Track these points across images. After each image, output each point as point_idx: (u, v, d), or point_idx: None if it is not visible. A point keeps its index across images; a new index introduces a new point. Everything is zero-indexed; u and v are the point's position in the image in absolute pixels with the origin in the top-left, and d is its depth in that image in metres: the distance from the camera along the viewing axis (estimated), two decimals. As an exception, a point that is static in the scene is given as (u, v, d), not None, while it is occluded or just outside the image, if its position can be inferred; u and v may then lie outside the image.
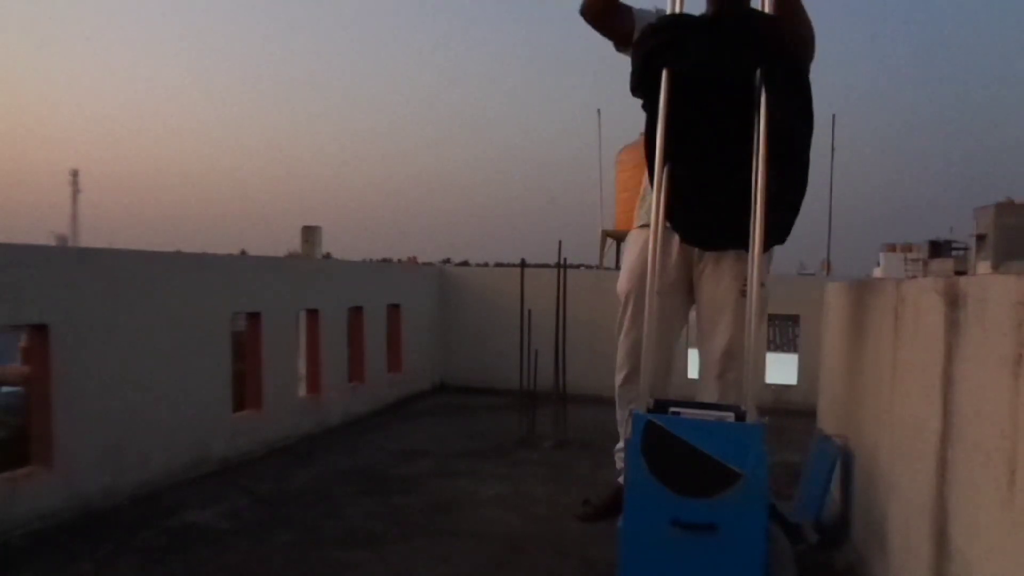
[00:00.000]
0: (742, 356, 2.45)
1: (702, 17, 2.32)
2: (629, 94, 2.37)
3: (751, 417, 2.03)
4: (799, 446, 3.36)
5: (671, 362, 2.76)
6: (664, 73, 2.20)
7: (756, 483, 1.90)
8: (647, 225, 2.52)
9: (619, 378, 2.84)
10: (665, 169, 2.27)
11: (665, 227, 2.48)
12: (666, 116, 2.19)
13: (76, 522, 2.75)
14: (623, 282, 2.79)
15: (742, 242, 2.26)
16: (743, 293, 2.49)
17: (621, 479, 2.84)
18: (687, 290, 2.72)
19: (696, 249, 2.64)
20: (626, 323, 2.78)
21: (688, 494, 1.94)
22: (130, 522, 2.80)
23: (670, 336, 2.74)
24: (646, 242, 2.53)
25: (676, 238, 2.64)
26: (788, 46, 2.22)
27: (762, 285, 2.37)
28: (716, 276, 2.61)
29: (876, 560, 2.08)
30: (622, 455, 2.87)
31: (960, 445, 1.40)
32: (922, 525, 1.60)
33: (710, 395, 2.55)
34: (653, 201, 2.32)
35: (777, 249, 2.73)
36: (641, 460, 1.98)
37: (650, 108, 2.27)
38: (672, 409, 2.10)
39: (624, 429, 2.88)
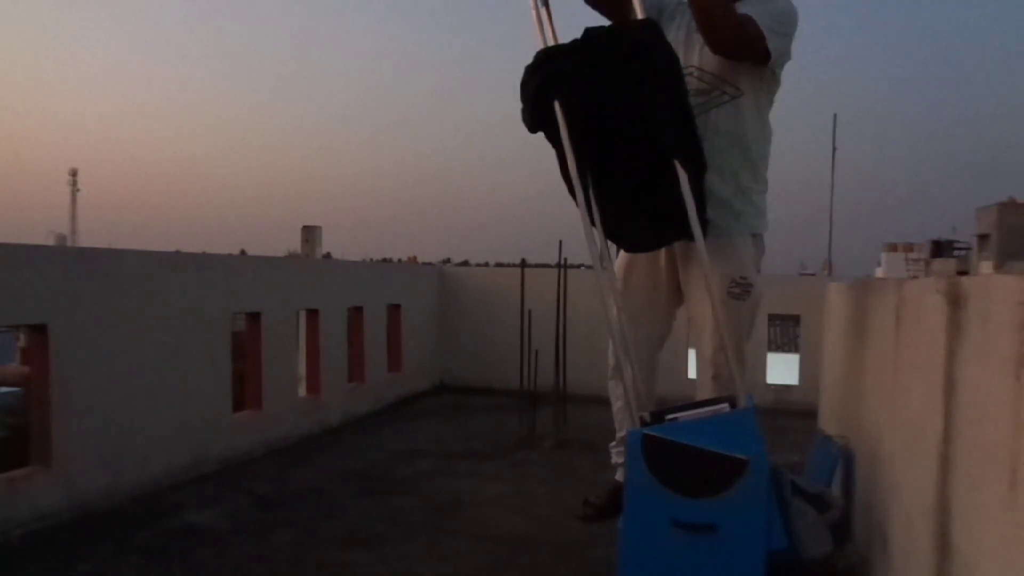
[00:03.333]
0: (736, 355, 2.48)
1: (574, 43, 2.28)
2: None
3: (741, 402, 2.06)
4: (800, 446, 3.36)
5: (656, 362, 2.77)
6: (556, 105, 2.19)
7: (759, 465, 1.91)
8: None
9: (609, 373, 2.90)
10: (590, 191, 2.29)
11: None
12: (573, 142, 2.20)
13: (75, 522, 2.75)
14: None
15: (682, 232, 2.26)
16: (731, 294, 2.50)
17: (618, 475, 2.84)
18: (676, 289, 2.73)
19: (680, 250, 2.65)
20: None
21: (698, 495, 1.95)
22: (130, 522, 2.80)
23: (657, 337, 2.77)
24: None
25: None
26: (654, 49, 2.20)
27: (750, 285, 2.39)
28: (696, 272, 2.61)
29: (877, 560, 2.07)
30: (619, 450, 2.88)
31: (962, 446, 1.40)
32: (923, 525, 1.60)
33: (707, 395, 2.56)
34: (583, 229, 2.35)
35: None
36: (641, 461, 1.98)
37: (553, 139, 2.29)
38: (669, 416, 2.11)
39: (618, 422, 2.90)
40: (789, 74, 2.65)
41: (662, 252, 2.69)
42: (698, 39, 2.51)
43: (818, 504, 2.19)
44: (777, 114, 2.66)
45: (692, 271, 2.62)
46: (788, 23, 2.50)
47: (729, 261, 2.51)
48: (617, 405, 2.92)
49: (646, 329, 2.72)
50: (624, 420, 2.84)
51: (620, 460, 2.82)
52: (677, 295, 2.74)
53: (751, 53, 2.47)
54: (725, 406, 2.12)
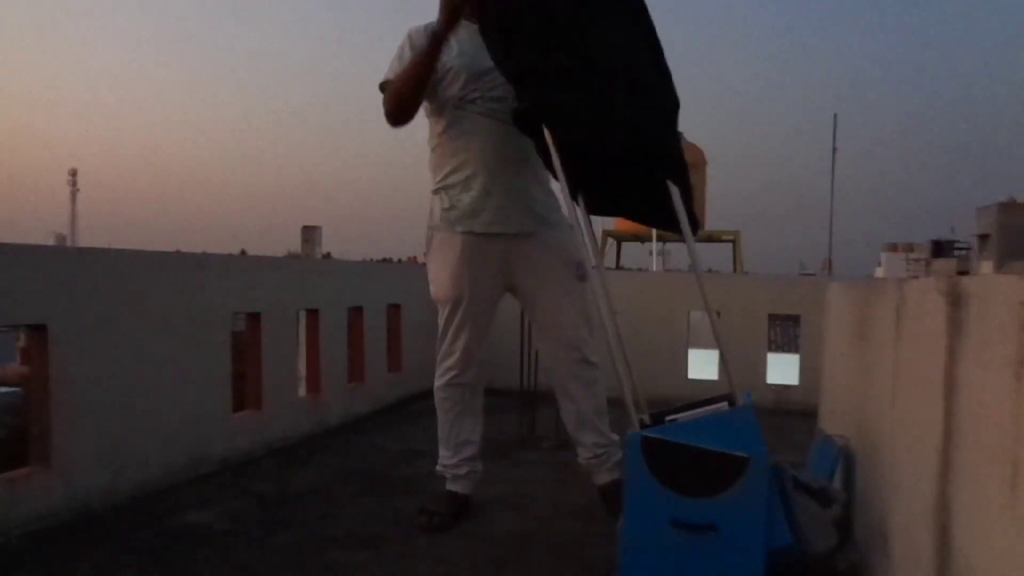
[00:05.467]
0: (596, 331, 2.68)
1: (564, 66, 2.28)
2: None
3: (738, 399, 2.09)
4: (800, 446, 3.35)
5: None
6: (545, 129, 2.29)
7: (759, 462, 1.91)
8: (459, 229, 2.72)
9: (442, 381, 3.08)
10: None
11: (475, 234, 2.68)
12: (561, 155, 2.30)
13: (75, 523, 2.74)
14: (447, 288, 2.86)
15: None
16: (579, 277, 2.71)
17: (451, 485, 2.89)
18: (503, 288, 2.85)
19: (511, 245, 2.74)
20: (451, 332, 2.99)
21: (699, 494, 1.95)
22: (129, 522, 2.80)
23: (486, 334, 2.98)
24: (464, 246, 2.71)
25: (488, 241, 2.71)
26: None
27: (594, 267, 2.55)
28: (544, 266, 2.77)
29: (877, 561, 2.07)
30: (455, 461, 2.94)
31: (962, 446, 1.40)
32: (924, 526, 1.60)
33: (578, 377, 2.80)
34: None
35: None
36: (642, 463, 1.98)
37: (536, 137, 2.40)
38: (668, 418, 2.11)
39: (445, 438, 3.03)
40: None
41: (490, 255, 2.76)
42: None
43: (821, 498, 2.19)
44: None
45: (536, 264, 2.76)
46: None
47: (566, 249, 2.74)
48: (452, 413, 2.94)
49: (484, 322, 2.95)
50: (459, 428, 3.01)
51: (461, 472, 2.92)
52: (502, 294, 2.90)
53: None
54: (724, 404, 2.13)
